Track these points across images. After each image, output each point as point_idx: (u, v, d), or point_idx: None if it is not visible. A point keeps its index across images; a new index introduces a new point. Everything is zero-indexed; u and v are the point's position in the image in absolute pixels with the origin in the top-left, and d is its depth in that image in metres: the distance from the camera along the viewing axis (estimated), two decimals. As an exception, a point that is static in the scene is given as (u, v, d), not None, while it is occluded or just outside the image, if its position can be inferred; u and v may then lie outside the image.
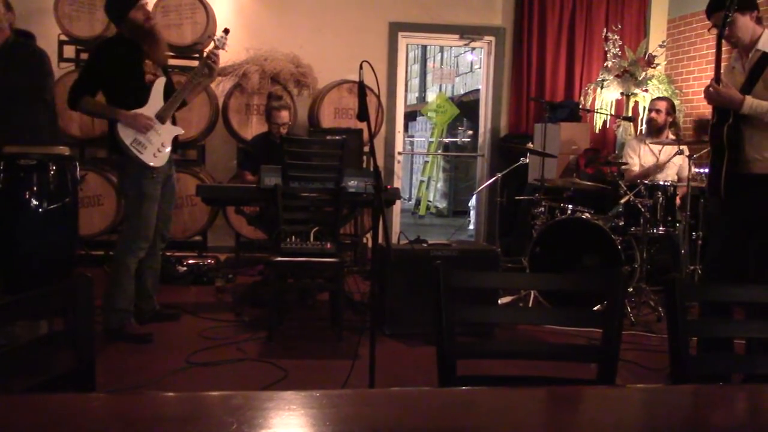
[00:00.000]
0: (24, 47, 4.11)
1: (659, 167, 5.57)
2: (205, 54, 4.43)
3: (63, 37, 6.04)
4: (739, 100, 3.29)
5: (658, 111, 5.68)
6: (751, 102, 3.27)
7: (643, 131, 6.21)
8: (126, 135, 4.04)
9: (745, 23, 3.35)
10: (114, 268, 4.21)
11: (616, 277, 1.94)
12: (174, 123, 4.30)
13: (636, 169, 5.70)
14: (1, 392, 1.36)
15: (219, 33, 4.42)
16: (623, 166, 5.58)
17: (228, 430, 1.19)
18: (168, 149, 4.20)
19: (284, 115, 5.32)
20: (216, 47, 4.33)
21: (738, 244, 3.45)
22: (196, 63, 6.25)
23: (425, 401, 1.45)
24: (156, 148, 4.12)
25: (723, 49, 3.39)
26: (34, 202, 3.62)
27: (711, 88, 3.36)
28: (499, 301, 4.85)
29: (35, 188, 3.63)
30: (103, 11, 4.22)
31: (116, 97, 4.09)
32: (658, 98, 5.96)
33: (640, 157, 5.76)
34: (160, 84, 4.20)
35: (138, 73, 4.14)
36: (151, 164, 4.10)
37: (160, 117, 4.14)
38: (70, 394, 1.49)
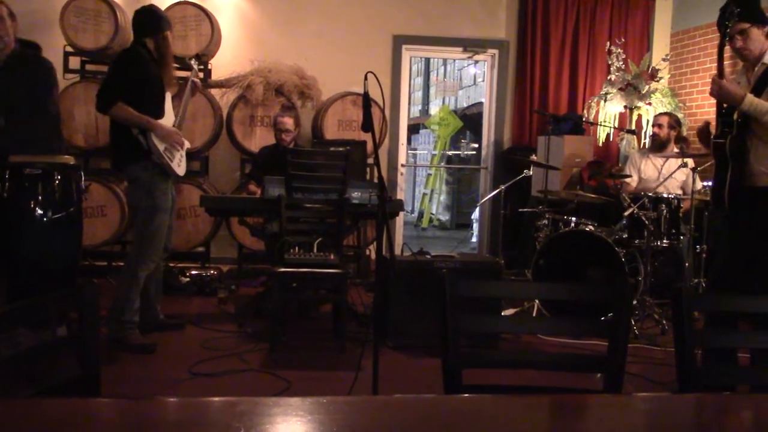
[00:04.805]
0: (29, 58, 4.12)
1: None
2: (189, 81, 4.63)
3: (69, 49, 6.07)
4: (740, 96, 3.31)
5: (660, 126, 5.72)
6: (751, 100, 3.29)
7: (647, 145, 6.22)
8: (159, 145, 4.13)
9: (758, 37, 3.40)
10: (124, 280, 4.21)
11: (622, 286, 1.93)
12: None
13: (633, 184, 5.72)
14: (6, 398, 1.36)
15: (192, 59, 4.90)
16: (625, 179, 5.60)
17: (235, 435, 1.18)
18: (185, 160, 4.39)
19: (287, 121, 5.35)
20: (195, 72, 4.74)
21: (743, 258, 3.43)
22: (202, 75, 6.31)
23: (431, 408, 1.45)
24: (178, 159, 4.28)
25: (728, 62, 3.40)
26: (39, 211, 3.62)
27: (714, 83, 3.39)
28: (502, 314, 4.83)
29: (40, 197, 3.63)
30: (132, 23, 4.29)
31: (141, 107, 4.10)
32: (661, 114, 5.98)
33: (640, 171, 5.78)
34: (169, 99, 4.36)
35: (160, 85, 4.24)
36: (179, 173, 4.29)
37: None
38: (76, 399, 1.48)
